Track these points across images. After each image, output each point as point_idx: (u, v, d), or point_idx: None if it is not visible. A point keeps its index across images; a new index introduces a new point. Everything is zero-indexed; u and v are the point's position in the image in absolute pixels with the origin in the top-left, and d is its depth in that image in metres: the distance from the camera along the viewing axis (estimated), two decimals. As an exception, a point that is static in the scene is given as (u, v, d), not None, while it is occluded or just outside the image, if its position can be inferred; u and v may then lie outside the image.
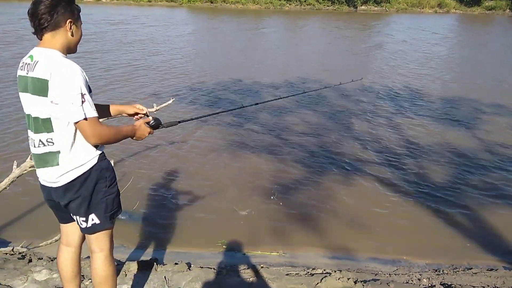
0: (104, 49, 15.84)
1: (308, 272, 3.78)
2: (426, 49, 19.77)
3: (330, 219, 5.11)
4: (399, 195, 5.75)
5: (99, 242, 2.33)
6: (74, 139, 2.02)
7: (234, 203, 5.38)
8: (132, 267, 3.58)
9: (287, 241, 4.68)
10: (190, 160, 6.62)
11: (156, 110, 5.81)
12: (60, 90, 1.88)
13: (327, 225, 4.99)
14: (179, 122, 2.64)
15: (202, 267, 3.68)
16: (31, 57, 1.97)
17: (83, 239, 2.50)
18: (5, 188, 4.26)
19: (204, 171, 6.26)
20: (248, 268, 3.75)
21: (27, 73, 1.96)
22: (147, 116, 2.48)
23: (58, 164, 2.05)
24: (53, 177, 2.10)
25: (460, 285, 3.70)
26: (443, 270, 4.13)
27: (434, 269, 4.19)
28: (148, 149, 6.97)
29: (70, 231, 2.43)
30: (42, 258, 3.76)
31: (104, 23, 23.16)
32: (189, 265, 3.80)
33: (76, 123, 1.93)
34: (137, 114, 2.51)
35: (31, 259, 3.69)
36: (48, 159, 2.06)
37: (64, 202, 2.18)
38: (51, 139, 2.01)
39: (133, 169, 6.18)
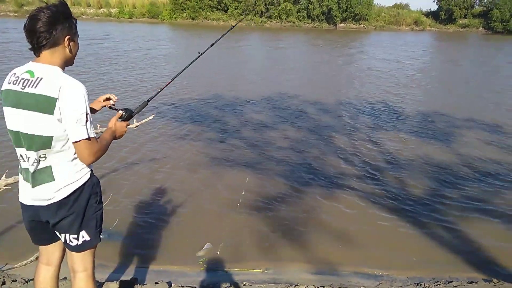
0: (82, 69, 15.70)
1: (291, 289, 3.75)
2: (403, 66, 20.29)
3: (312, 234, 5.10)
4: (380, 209, 5.79)
5: (84, 261, 2.27)
6: (68, 155, 2.00)
7: (215, 220, 5.33)
8: (112, 287, 3.49)
9: (269, 257, 4.63)
10: (171, 176, 6.55)
11: (137, 126, 5.75)
12: (68, 108, 1.87)
13: (310, 240, 4.98)
14: (148, 100, 2.65)
15: (183, 286, 3.61)
16: (30, 73, 1.91)
17: (62, 258, 2.44)
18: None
19: (185, 187, 6.19)
20: (230, 286, 3.70)
21: (22, 89, 1.90)
22: (116, 110, 2.42)
23: (54, 180, 2.01)
24: (49, 193, 2.03)
25: (442, 298, 3.73)
26: (424, 284, 4.15)
27: (415, 283, 4.21)
28: (127, 165, 6.87)
29: (51, 251, 2.35)
30: (16, 280, 3.64)
31: (81, 40, 22.97)
32: (169, 285, 3.74)
33: (76, 142, 1.92)
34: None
35: (4, 281, 3.56)
36: (44, 175, 2.00)
37: (55, 221, 2.10)
38: (45, 154, 1.97)
39: (112, 185, 6.06)
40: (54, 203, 2.05)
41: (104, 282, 3.71)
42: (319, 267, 4.50)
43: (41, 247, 2.38)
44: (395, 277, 4.40)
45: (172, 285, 3.90)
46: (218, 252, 4.63)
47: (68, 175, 2.03)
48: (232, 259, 4.56)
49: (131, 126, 5.68)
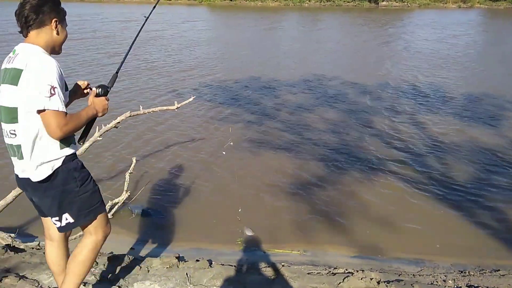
0: (123, 51, 16.04)
1: (330, 272, 3.74)
2: (448, 46, 19.36)
3: (352, 218, 5.04)
4: (423, 194, 5.63)
5: (88, 227, 2.36)
6: (37, 135, 1.99)
7: (252, 202, 5.37)
8: (155, 264, 3.61)
9: (308, 239, 4.63)
10: (209, 157, 6.63)
11: (177, 107, 5.83)
12: (30, 79, 1.89)
13: (349, 224, 4.92)
14: (117, 72, 2.58)
15: (223, 265, 3.68)
16: (14, 51, 2.02)
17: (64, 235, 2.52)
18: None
19: (224, 168, 6.25)
20: (268, 266, 3.72)
21: (6, 66, 2.00)
22: (90, 89, 2.41)
23: (22, 158, 2.04)
24: (20, 168, 2.10)
25: (486, 287, 3.60)
26: (469, 271, 4.02)
27: (459, 270, 4.08)
28: (167, 147, 7.02)
29: (50, 224, 2.42)
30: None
31: (120, 22, 23.44)
32: (210, 262, 3.81)
33: (40, 112, 1.91)
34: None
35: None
36: (15, 150, 2.05)
37: (35, 200, 2.23)
38: (14, 130, 2.00)
39: (153, 167, 6.24)
40: (28, 179, 2.09)
41: (147, 258, 3.85)
42: (358, 251, 4.46)
43: (43, 221, 2.49)
44: (437, 263, 4.29)
45: (212, 263, 3.99)
46: (256, 233, 4.67)
47: (37, 158, 2.03)
48: (269, 240, 4.59)
49: (171, 107, 5.78)
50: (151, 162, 6.38)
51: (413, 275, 3.83)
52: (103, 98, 2.27)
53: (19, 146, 2.02)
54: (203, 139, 7.42)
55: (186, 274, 3.43)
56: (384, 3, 45.11)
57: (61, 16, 2.08)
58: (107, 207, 4.89)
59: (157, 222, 4.89)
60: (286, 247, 4.48)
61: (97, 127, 4.70)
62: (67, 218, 2.19)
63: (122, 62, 2.62)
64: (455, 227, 4.94)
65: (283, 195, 5.53)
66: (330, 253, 4.41)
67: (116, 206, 5.01)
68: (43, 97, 1.87)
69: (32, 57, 1.94)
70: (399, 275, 3.78)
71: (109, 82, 2.45)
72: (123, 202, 5.07)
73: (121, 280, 3.27)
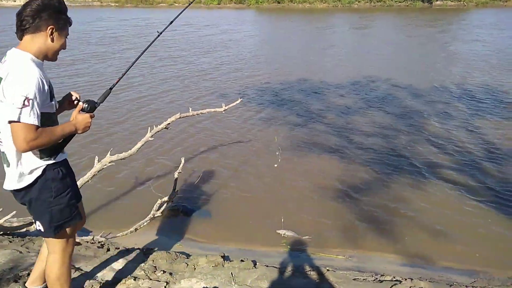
0: (174, 54, 16.56)
1: (377, 279, 3.64)
2: (505, 47, 18.24)
3: (401, 224, 4.89)
4: (478, 202, 5.35)
5: (51, 244, 2.34)
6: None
7: (298, 205, 5.35)
8: (201, 262, 3.70)
9: (354, 244, 4.54)
10: (256, 160, 6.67)
11: (225, 110, 5.95)
12: (7, 88, 1.88)
13: (398, 230, 4.77)
14: (111, 88, 2.44)
15: (267, 266, 3.70)
16: (4, 57, 2.01)
17: None
18: (88, 181, 4.59)
19: (271, 171, 6.27)
20: (313, 270, 3.70)
21: None
22: (79, 101, 2.32)
23: (9, 166, 2.09)
24: (8, 175, 2.13)
25: (547, 303, 3.36)
26: (528, 286, 3.77)
27: (517, 284, 3.83)
28: (214, 148, 7.14)
29: None
30: (118, 248, 4.01)
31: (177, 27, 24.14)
32: (254, 263, 3.84)
33: (11, 123, 1.87)
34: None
35: (109, 248, 3.94)
36: (3, 157, 2.11)
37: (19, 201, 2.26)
38: (0, 138, 2.05)
39: (201, 166, 6.38)
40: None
41: (193, 256, 3.94)
42: (407, 259, 4.31)
43: None
44: (493, 275, 4.06)
45: (257, 264, 4.02)
46: (300, 236, 4.65)
47: (20, 166, 2.06)
48: (314, 243, 4.55)
49: (218, 109, 5.90)
50: (198, 163, 6.54)
51: (466, 286, 3.66)
52: (87, 115, 2.19)
53: (4, 154, 2.08)
54: (249, 141, 7.49)
55: (231, 273, 3.48)
56: (438, 2, 43.38)
57: (60, 25, 2.04)
58: (156, 205, 5.08)
59: (203, 221, 5.00)
60: (331, 251, 4.42)
61: (149, 127, 4.89)
62: (39, 225, 2.22)
63: (119, 79, 2.55)
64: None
65: (329, 198, 5.46)
66: (377, 260, 4.30)
67: (165, 205, 5.18)
68: (15, 108, 1.83)
69: (15, 66, 1.91)
70: (451, 286, 3.61)
71: (99, 98, 2.36)
72: (171, 201, 5.25)
73: (168, 277, 3.37)
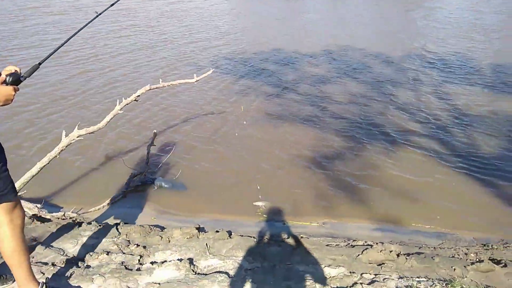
0: (137, 25, 15.99)
1: (349, 244, 3.73)
2: (477, 14, 18.47)
3: (373, 190, 5.00)
4: (447, 166, 5.51)
5: None
6: None
7: (272, 174, 5.37)
8: (175, 234, 3.68)
9: (327, 211, 4.62)
10: (229, 131, 6.61)
11: (197, 80, 5.81)
12: None
13: (370, 196, 4.88)
14: (40, 63, 2.39)
15: (242, 235, 3.72)
16: None
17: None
18: (56, 156, 4.44)
19: (243, 141, 6.25)
20: (288, 238, 3.75)
21: None
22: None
23: None
24: None
25: (510, 260, 3.52)
26: (492, 245, 3.93)
27: (482, 244, 3.99)
28: (186, 120, 7.03)
29: None
30: (90, 223, 3.93)
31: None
32: (229, 233, 3.85)
33: None
34: None
35: (80, 224, 3.87)
36: None
37: None
38: None
39: (174, 139, 6.28)
40: None
41: (168, 229, 3.92)
42: (378, 224, 4.43)
43: None
44: (460, 236, 4.23)
45: (232, 233, 4.04)
46: (275, 205, 4.69)
47: None
48: (289, 212, 4.61)
49: (190, 80, 5.76)
50: (171, 136, 6.43)
51: (434, 248, 3.79)
52: (9, 87, 2.13)
53: None
54: (223, 112, 7.40)
55: (206, 244, 3.49)
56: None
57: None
58: (129, 179, 5.01)
59: (177, 194, 4.96)
60: (305, 219, 4.49)
61: (118, 100, 4.75)
62: None
63: (50, 56, 2.47)
64: (479, 200, 4.84)
65: (303, 167, 5.51)
66: (350, 225, 4.40)
67: (138, 178, 5.11)
68: None
69: None
70: (420, 248, 3.74)
71: (26, 72, 2.31)
72: (145, 174, 5.18)
73: (142, 250, 3.35)
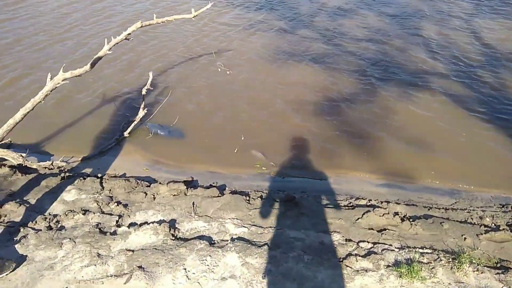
0: None
1: (350, 203, 3.41)
2: None
3: (384, 139, 4.55)
4: (466, 114, 4.97)
5: None
6: None
7: (274, 122, 4.96)
8: (162, 190, 3.43)
9: (331, 163, 4.23)
10: (234, 72, 6.12)
11: (195, 16, 5.25)
12: None
13: (380, 146, 4.44)
14: None
15: (233, 193, 3.43)
16: None
17: None
18: (40, 102, 4.13)
19: (248, 84, 5.78)
20: (283, 196, 3.43)
21: None
22: None
23: None
24: None
25: (531, 227, 3.15)
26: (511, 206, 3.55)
27: (500, 204, 3.61)
28: (187, 61, 6.53)
29: None
30: (75, 176, 3.72)
31: None
32: (221, 190, 3.58)
33: None
34: None
35: (64, 177, 3.65)
36: None
37: None
38: None
39: (172, 83, 5.83)
40: None
41: (154, 183, 3.67)
42: (386, 178, 4.04)
43: None
44: (475, 194, 3.83)
45: (224, 190, 3.76)
46: (275, 156, 4.34)
47: None
48: (290, 164, 4.24)
49: (187, 16, 5.21)
50: (170, 78, 5.98)
51: (445, 209, 3.43)
52: None
53: None
54: (229, 50, 6.83)
55: (193, 203, 3.22)
56: None
57: None
58: (123, 126, 4.71)
59: (174, 143, 4.63)
60: (307, 172, 4.13)
61: (106, 39, 4.28)
62: None
63: None
64: (501, 155, 4.34)
65: (307, 113, 5.05)
66: (355, 180, 4.03)
67: (133, 124, 4.80)
68: None
69: None
70: (429, 210, 3.39)
71: None
72: (140, 120, 4.85)
73: (123, 209, 3.11)
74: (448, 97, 5.32)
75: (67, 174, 3.74)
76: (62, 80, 4.18)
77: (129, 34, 4.61)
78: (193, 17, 5.28)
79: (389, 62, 6.28)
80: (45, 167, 4.05)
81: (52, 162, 4.08)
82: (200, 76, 6.01)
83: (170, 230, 2.79)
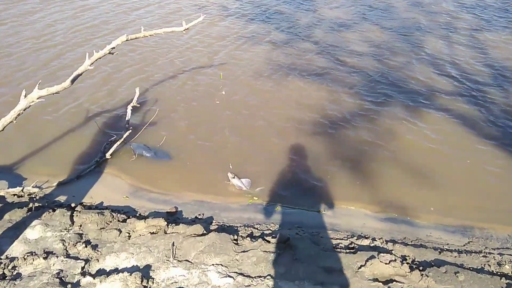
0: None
1: (352, 244, 3.02)
2: None
3: (383, 167, 4.18)
4: (477, 138, 4.62)
5: None
6: None
7: (267, 142, 4.58)
8: (139, 227, 3.04)
9: (329, 194, 3.85)
10: (227, 89, 5.71)
11: (186, 29, 4.88)
12: None
13: (382, 175, 4.07)
14: None
15: (219, 231, 3.04)
16: None
17: None
18: (11, 121, 3.74)
19: (243, 100, 5.41)
20: (276, 234, 3.05)
21: None
22: None
23: None
24: None
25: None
26: (533, 248, 3.17)
27: (519, 245, 3.24)
28: (175, 76, 6.15)
29: None
30: (44, 206, 3.33)
31: None
32: (207, 226, 3.20)
33: None
34: None
35: (31, 208, 3.26)
36: None
37: None
38: None
39: (159, 100, 5.44)
40: None
41: (130, 218, 3.28)
42: (389, 211, 3.66)
43: None
44: (490, 232, 3.46)
45: (213, 222, 3.38)
46: (269, 184, 3.96)
47: None
48: (284, 193, 3.85)
49: (177, 29, 4.83)
50: (155, 96, 5.55)
51: (458, 252, 3.05)
52: None
53: None
54: (220, 64, 6.46)
55: (173, 244, 2.83)
56: None
57: None
58: (104, 146, 4.31)
59: (159, 166, 4.24)
60: (304, 202, 3.74)
61: (87, 53, 3.91)
62: None
63: None
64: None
65: (305, 134, 4.69)
66: (356, 214, 3.64)
67: (115, 145, 4.42)
68: None
69: None
70: (440, 253, 3.01)
71: None
72: (124, 140, 4.47)
73: (91, 252, 2.72)
74: (455, 119, 4.97)
75: (36, 204, 3.35)
76: (37, 98, 3.80)
77: (113, 48, 4.25)
78: (184, 30, 4.93)
79: (391, 80, 5.93)
80: (14, 194, 3.68)
81: (23, 188, 3.68)
82: (191, 94, 5.62)
83: (142, 281, 2.40)
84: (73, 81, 3.95)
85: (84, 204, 3.57)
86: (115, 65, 6.25)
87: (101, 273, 2.50)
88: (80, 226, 3.02)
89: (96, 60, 4.10)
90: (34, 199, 3.60)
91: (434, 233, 3.39)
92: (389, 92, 5.59)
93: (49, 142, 4.54)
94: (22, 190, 3.69)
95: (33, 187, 3.77)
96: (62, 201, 3.62)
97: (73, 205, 3.45)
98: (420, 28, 7.94)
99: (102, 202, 3.67)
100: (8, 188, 3.67)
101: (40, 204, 3.37)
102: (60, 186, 3.92)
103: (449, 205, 3.72)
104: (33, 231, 2.92)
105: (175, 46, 7.09)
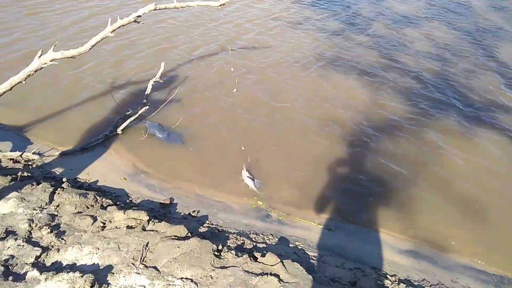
0: None
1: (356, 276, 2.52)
2: None
3: (423, 188, 3.58)
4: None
5: None
6: None
7: (292, 142, 4.11)
8: (117, 218, 2.74)
9: (346, 210, 3.33)
10: (269, 75, 5.28)
11: (222, 4, 4.46)
12: None
13: (416, 195, 3.48)
14: None
15: (204, 237, 2.65)
16: None
17: None
18: (20, 82, 3.56)
19: (283, 89, 4.94)
20: (265, 253, 2.61)
21: None
22: None
23: None
24: None
25: None
26: None
27: None
28: (209, 56, 5.77)
29: None
30: (31, 177, 3.12)
31: None
32: (195, 227, 2.84)
33: None
34: None
35: (16, 178, 3.05)
36: None
37: None
38: None
39: (184, 79, 5.10)
40: None
41: (108, 207, 2.98)
42: (414, 240, 3.09)
43: None
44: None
45: (205, 223, 3.02)
46: (280, 188, 3.51)
47: None
48: (293, 201, 3.40)
49: (212, 3, 4.42)
50: (180, 72, 5.22)
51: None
52: None
53: None
54: (266, 47, 5.98)
55: (146, 245, 2.48)
56: None
57: None
58: (116, 120, 4.03)
59: (167, 150, 3.92)
60: (313, 216, 3.27)
61: (110, 19, 3.62)
62: None
63: None
64: None
65: (336, 138, 4.16)
66: (372, 236, 3.11)
67: (129, 120, 4.15)
68: None
69: None
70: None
71: None
72: (139, 116, 4.19)
73: (53, 239, 2.44)
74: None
75: (25, 173, 3.14)
76: (50, 61, 3.59)
77: (139, 16, 3.94)
78: (220, 5, 4.51)
79: (451, 87, 5.19)
80: (11, 159, 3.52)
81: (22, 153, 3.53)
82: (216, 77, 5.20)
83: (93, 286, 2.07)
84: (91, 47, 3.71)
85: (77, 180, 3.34)
86: (144, 37, 6.00)
87: (54, 267, 2.21)
88: (58, 206, 2.77)
89: (118, 27, 3.82)
90: (30, 167, 3.42)
91: (462, 279, 2.80)
92: (444, 102, 4.88)
93: (65, 107, 4.36)
94: (20, 156, 3.54)
95: (33, 153, 3.63)
96: (57, 173, 3.41)
97: (64, 180, 3.22)
98: (496, 35, 6.97)
99: (96, 181, 3.41)
100: (7, 152, 3.55)
101: (29, 174, 3.16)
102: (61, 157, 3.72)
103: (490, 246, 3.09)
104: (6, 205, 2.70)
105: (210, 21, 6.67)
